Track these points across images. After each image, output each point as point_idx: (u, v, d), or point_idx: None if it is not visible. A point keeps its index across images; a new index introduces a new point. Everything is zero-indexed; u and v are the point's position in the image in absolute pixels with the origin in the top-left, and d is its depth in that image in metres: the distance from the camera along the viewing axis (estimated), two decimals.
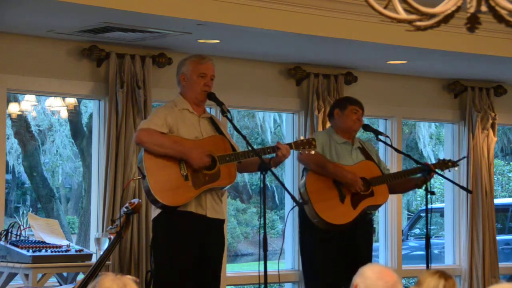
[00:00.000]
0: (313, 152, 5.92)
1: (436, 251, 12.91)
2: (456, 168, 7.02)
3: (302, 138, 5.93)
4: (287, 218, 7.24)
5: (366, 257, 6.42)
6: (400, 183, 6.69)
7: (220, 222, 5.72)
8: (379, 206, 6.80)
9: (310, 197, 6.40)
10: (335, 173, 6.44)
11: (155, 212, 5.60)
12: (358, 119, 6.64)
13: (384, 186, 6.62)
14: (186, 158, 5.49)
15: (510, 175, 18.92)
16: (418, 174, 6.61)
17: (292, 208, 6.67)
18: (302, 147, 5.82)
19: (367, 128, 6.80)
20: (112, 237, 5.34)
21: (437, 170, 6.66)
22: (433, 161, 7.09)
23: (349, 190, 6.45)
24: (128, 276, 3.03)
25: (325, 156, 6.52)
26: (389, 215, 8.49)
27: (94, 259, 6.21)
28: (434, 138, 18.67)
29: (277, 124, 17.73)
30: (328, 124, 7.78)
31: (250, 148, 5.58)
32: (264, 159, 5.54)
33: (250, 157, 5.60)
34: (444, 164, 6.86)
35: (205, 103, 5.79)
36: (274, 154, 5.69)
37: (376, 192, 6.55)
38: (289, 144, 5.77)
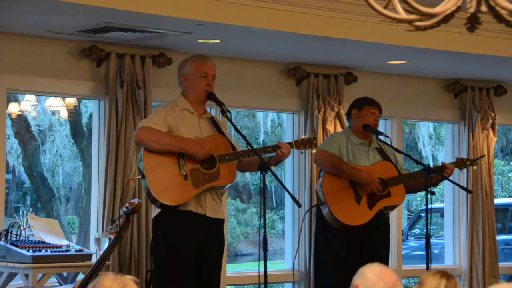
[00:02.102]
0: (314, 151, 5.94)
1: (436, 251, 12.92)
2: (474, 167, 7.01)
3: (303, 137, 5.94)
4: (303, 219, 7.25)
5: (383, 256, 6.43)
6: (417, 182, 6.67)
7: (220, 222, 5.73)
8: (396, 206, 6.81)
9: (326, 198, 6.41)
10: (350, 174, 6.46)
11: (155, 211, 5.61)
12: (375, 120, 6.67)
13: (401, 186, 6.63)
14: (187, 151, 5.50)
15: (510, 175, 18.92)
16: (434, 173, 6.59)
17: (308, 210, 6.68)
18: (303, 146, 5.83)
19: (367, 128, 6.81)
20: (112, 237, 5.34)
21: (438, 172, 6.64)
22: (432, 161, 7.10)
23: (366, 190, 6.46)
24: (128, 276, 3.03)
25: (341, 157, 6.53)
26: (389, 215, 8.47)
27: (94, 259, 6.21)
28: (434, 138, 18.67)
29: (277, 124, 17.73)
30: (328, 124, 7.80)
31: (249, 148, 5.59)
32: (264, 158, 5.55)
33: (250, 156, 5.61)
34: (463, 163, 6.88)
35: (206, 103, 5.80)
36: (274, 154, 5.70)
37: (393, 193, 6.57)
38: (290, 143, 5.78)
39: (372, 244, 6.49)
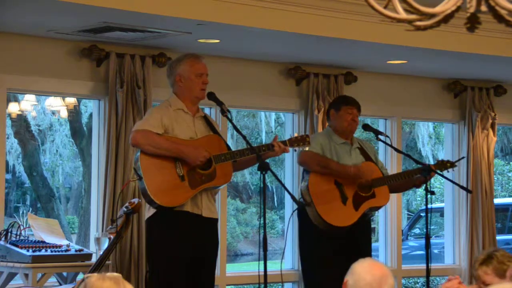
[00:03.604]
0: (307, 148, 5.95)
1: (436, 251, 12.91)
2: (453, 169, 7.01)
3: (296, 135, 5.96)
4: (289, 219, 7.24)
5: (366, 255, 6.42)
6: (400, 183, 6.70)
7: (215, 221, 5.75)
8: (380, 207, 6.81)
9: (313, 199, 6.40)
10: (339, 170, 6.44)
11: (149, 212, 5.61)
12: (353, 119, 6.62)
13: (385, 188, 6.62)
14: (183, 156, 5.50)
15: (510, 175, 18.91)
16: (418, 175, 6.63)
17: (294, 210, 6.66)
18: (297, 144, 5.85)
19: (367, 128, 6.81)
20: (112, 237, 5.34)
21: (437, 171, 6.67)
22: (432, 161, 7.09)
23: (351, 190, 6.45)
24: (114, 274, 3.04)
25: (325, 156, 6.52)
26: (389, 215, 8.49)
27: (94, 259, 6.21)
28: (434, 138, 18.66)
29: (276, 124, 17.72)
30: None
31: (247, 147, 5.60)
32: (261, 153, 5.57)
33: (245, 155, 5.62)
34: (443, 165, 6.86)
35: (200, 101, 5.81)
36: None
37: (377, 194, 6.56)
38: (284, 142, 5.79)
39: (355, 243, 6.47)
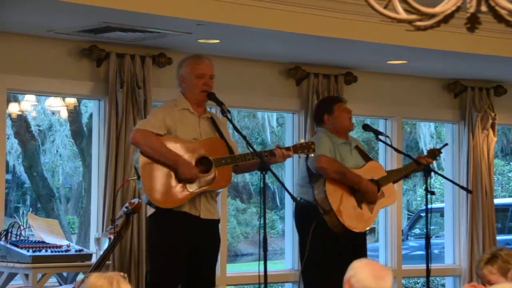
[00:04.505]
0: (312, 155, 5.92)
1: (436, 251, 12.92)
2: (440, 156, 7.10)
3: (302, 141, 5.93)
4: (311, 229, 7.24)
5: (362, 255, 6.43)
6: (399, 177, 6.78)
7: (215, 222, 5.73)
8: (388, 205, 6.85)
9: (333, 208, 6.34)
10: (355, 181, 6.41)
11: (150, 210, 5.62)
12: (348, 114, 6.62)
13: (391, 186, 6.62)
14: (176, 168, 5.48)
15: (510, 175, 18.91)
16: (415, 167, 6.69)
17: (296, 207, 6.63)
18: (301, 151, 5.82)
19: (367, 128, 6.81)
20: (112, 237, 5.34)
21: (437, 171, 6.69)
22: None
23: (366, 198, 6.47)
24: (116, 273, 3.05)
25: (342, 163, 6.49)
26: (389, 215, 8.49)
27: (94, 259, 6.21)
28: (435, 137, 18.65)
29: (278, 123, 17.72)
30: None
31: (250, 149, 5.58)
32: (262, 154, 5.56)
33: (246, 160, 5.60)
34: (433, 154, 6.92)
35: (205, 102, 5.80)
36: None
37: (386, 193, 6.56)
38: (287, 148, 5.76)
39: (353, 245, 6.46)
